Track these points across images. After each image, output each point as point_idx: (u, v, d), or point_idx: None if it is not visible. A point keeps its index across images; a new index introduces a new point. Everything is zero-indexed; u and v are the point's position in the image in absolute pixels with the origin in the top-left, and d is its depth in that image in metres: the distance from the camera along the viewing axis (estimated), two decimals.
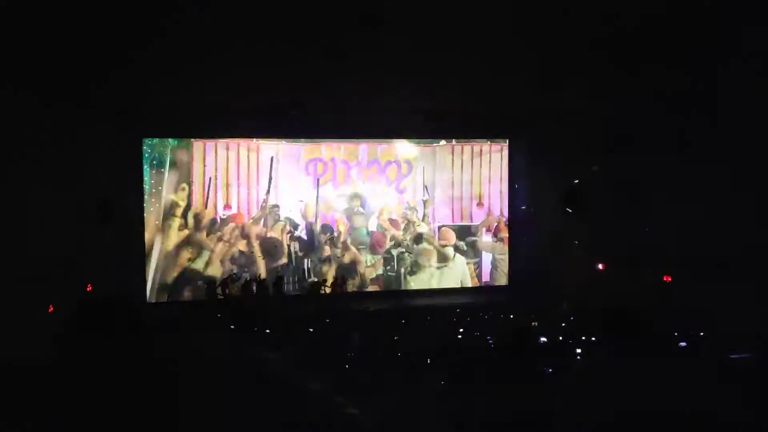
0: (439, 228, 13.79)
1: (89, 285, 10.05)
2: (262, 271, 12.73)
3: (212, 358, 1.57)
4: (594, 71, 8.53)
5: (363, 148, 13.39)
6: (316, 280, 12.83)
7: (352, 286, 13.15)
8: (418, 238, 13.62)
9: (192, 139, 12.43)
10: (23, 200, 8.32)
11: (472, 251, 13.87)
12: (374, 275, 13.46)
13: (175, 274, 12.39)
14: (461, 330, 8.81)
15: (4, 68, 7.34)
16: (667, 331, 7.70)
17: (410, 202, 13.59)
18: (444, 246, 13.76)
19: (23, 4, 5.75)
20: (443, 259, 13.73)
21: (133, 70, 8.21)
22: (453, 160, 13.81)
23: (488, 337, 7.95)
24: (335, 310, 10.80)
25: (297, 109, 9.94)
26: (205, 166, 12.54)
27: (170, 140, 12.33)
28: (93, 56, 7.40)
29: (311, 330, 8.85)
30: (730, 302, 8.07)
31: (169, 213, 12.36)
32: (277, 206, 12.92)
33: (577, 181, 11.56)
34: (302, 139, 12.91)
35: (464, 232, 13.85)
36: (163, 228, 12.34)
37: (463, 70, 8.49)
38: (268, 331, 8.66)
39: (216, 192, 12.62)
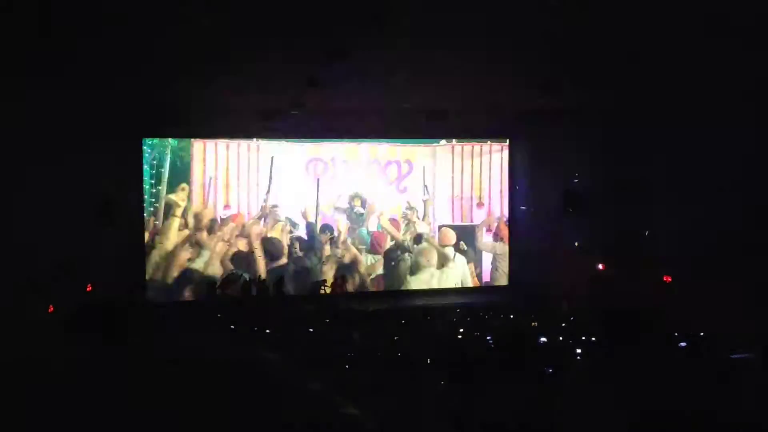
0: (439, 228, 13.79)
1: (89, 285, 10.05)
2: (262, 271, 12.74)
3: (212, 358, 1.57)
4: (594, 71, 8.54)
5: (363, 147, 13.39)
6: (316, 280, 12.83)
7: (352, 286, 13.15)
8: (418, 239, 13.63)
9: (192, 139, 12.43)
10: (23, 200, 8.33)
11: (473, 251, 13.88)
12: (374, 275, 13.46)
13: (175, 274, 12.40)
14: (461, 330, 8.81)
15: (3, 68, 7.35)
16: (667, 331, 7.71)
17: (410, 202, 13.60)
18: (444, 246, 13.77)
19: (23, 3, 5.75)
20: (443, 259, 13.74)
21: (132, 70, 8.21)
22: (453, 160, 13.81)
23: (488, 337, 7.95)
24: (335, 310, 10.81)
25: (297, 109, 9.93)
26: (205, 166, 12.54)
27: (170, 140, 12.34)
28: (93, 56, 7.41)
29: (311, 330, 8.85)
30: (730, 302, 8.08)
31: (168, 213, 12.36)
32: (276, 206, 12.93)
33: (576, 180, 11.56)
34: (302, 139, 12.91)
35: (464, 232, 13.85)
36: (163, 228, 12.34)
37: (463, 70, 8.49)
38: (268, 331, 8.67)
39: (216, 192, 12.63)
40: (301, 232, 13.07)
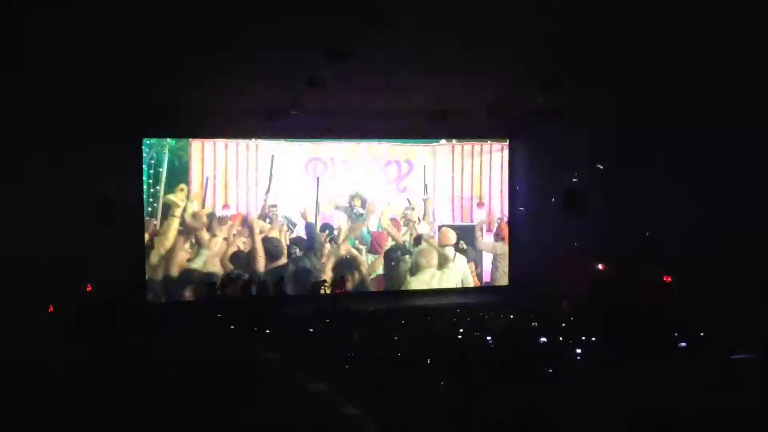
0: (440, 228, 13.79)
1: (89, 285, 10.05)
2: (262, 271, 12.73)
3: (212, 358, 1.57)
4: (594, 71, 8.53)
5: (363, 147, 13.39)
6: (316, 280, 12.83)
7: (352, 286, 13.15)
8: (418, 239, 13.63)
9: (191, 139, 12.43)
10: (23, 200, 8.32)
11: (473, 251, 13.88)
12: (374, 275, 13.46)
13: (174, 274, 12.40)
14: (461, 330, 8.82)
15: (3, 68, 7.35)
16: (667, 331, 7.71)
17: (410, 199, 13.60)
18: (444, 246, 13.77)
19: (23, 3, 5.75)
20: (443, 259, 13.74)
21: (133, 70, 8.21)
22: (453, 159, 13.82)
23: (488, 337, 7.96)
24: (335, 310, 10.81)
25: (297, 109, 9.93)
26: (203, 165, 12.54)
27: (169, 140, 12.33)
28: (93, 56, 7.40)
29: (311, 330, 8.86)
30: (730, 302, 8.07)
31: (167, 213, 12.36)
32: (275, 206, 12.92)
33: (576, 180, 11.56)
34: (302, 140, 12.90)
35: (464, 232, 13.85)
36: (162, 228, 12.34)
37: (463, 69, 8.49)
38: (268, 331, 8.68)
39: (215, 191, 12.63)
40: (301, 233, 13.07)
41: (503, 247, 13.99)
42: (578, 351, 7.08)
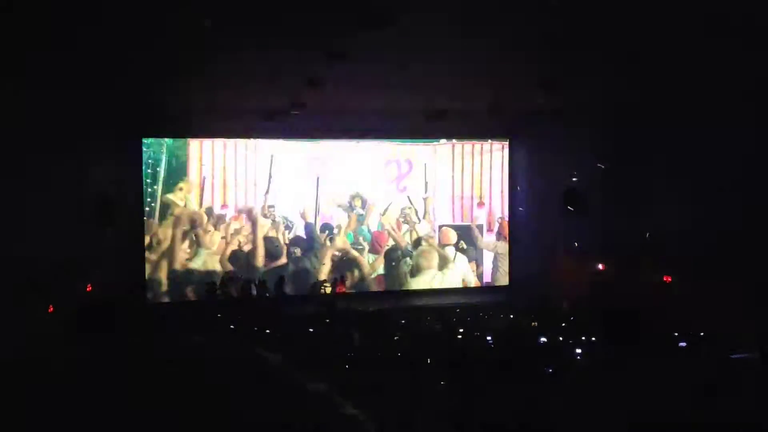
0: (440, 228, 13.79)
1: (89, 285, 10.05)
2: (262, 271, 12.73)
3: (212, 358, 1.57)
4: (594, 71, 8.53)
5: (363, 147, 13.38)
6: (316, 280, 12.83)
7: (352, 285, 13.15)
8: (418, 240, 13.63)
9: (189, 138, 12.42)
10: (23, 200, 8.31)
11: (473, 250, 13.88)
12: (375, 275, 13.46)
13: (174, 273, 12.39)
14: (461, 330, 8.82)
15: (3, 68, 7.34)
16: (667, 331, 7.71)
17: (410, 200, 13.60)
18: (444, 246, 13.77)
19: (23, 3, 5.75)
20: (444, 260, 13.73)
21: (132, 70, 8.21)
22: (453, 159, 13.82)
23: (488, 337, 7.96)
24: (335, 310, 10.81)
25: (297, 109, 9.92)
26: (202, 165, 12.53)
27: (168, 140, 12.32)
28: (92, 56, 7.40)
29: (311, 330, 8.86)
30: (730, 302, 8.08)
31: (166, 213, 12.35)
32: (273, 206, 12.91)
33: (576, 180, 11.56)
34: (302, 139, 12.89)
35: (465, 232, 13.85)
36: (161, 228, 12.33)
37: (463, 69, 8.49)
38: (268, 331, 8.68)
39: (213, 191, 12.62)
40: (301, 232, 13.06)
41: (504, 246, 13.98)
42: (578, 351, 7.08)
